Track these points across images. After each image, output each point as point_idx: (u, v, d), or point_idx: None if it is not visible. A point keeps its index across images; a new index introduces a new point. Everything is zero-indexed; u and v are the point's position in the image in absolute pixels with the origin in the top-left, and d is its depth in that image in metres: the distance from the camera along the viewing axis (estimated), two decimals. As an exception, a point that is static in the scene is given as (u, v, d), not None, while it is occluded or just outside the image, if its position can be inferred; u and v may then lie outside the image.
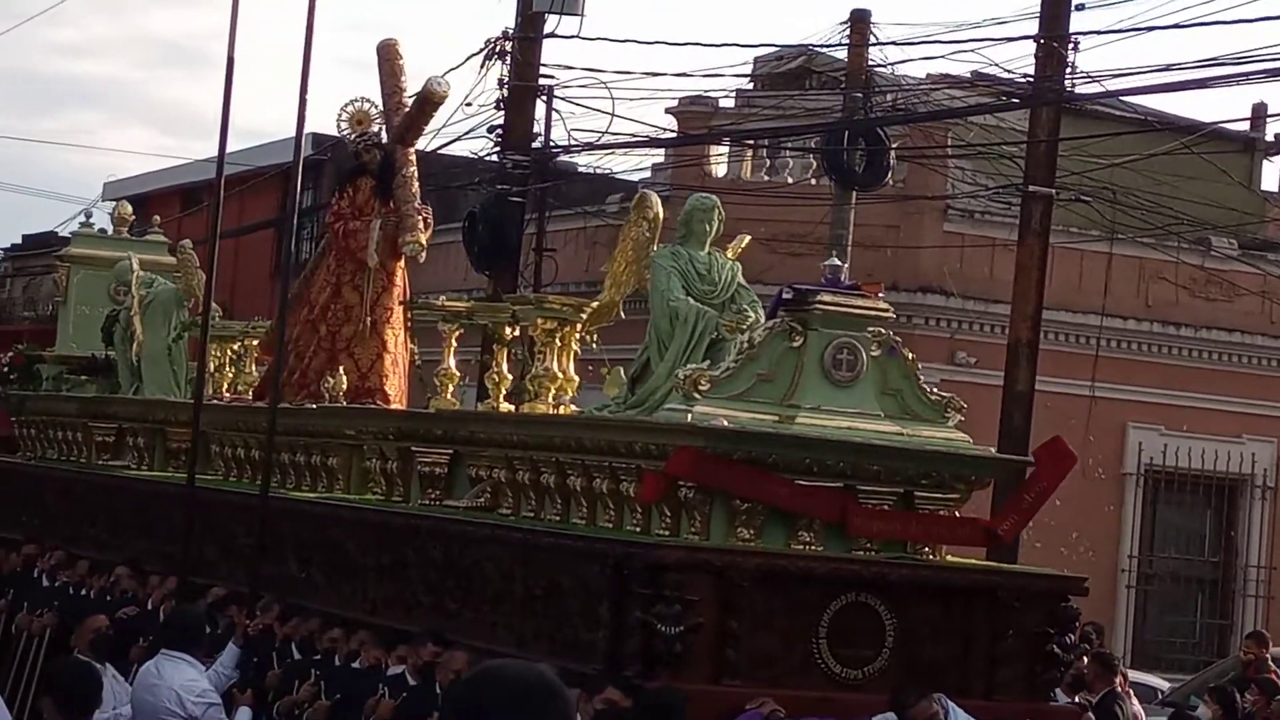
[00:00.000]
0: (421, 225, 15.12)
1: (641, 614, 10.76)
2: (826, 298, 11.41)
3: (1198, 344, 25.16)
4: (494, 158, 22.66)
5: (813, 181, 24.70)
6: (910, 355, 11.75)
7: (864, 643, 11.20)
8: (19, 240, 45.25)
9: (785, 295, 11.60)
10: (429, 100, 15.09)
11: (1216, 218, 24.31)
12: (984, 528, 11.82)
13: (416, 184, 15.30)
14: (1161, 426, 24.77)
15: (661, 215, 12.65)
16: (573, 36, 21.85)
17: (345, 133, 15.43)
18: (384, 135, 15.53)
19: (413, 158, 15.44)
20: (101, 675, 9.64)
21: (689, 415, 11.07)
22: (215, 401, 15.62)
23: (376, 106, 15.45)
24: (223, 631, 13.49)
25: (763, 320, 11.94)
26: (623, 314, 13.01)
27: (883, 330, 11.57)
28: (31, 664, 14.75)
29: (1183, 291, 25.05)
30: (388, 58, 15.50)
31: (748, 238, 12.77)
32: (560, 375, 12.86)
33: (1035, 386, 19.26)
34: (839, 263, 11.93)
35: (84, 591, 15.61)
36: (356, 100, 15.36)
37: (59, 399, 19.11)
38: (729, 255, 12.53)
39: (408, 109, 15.32)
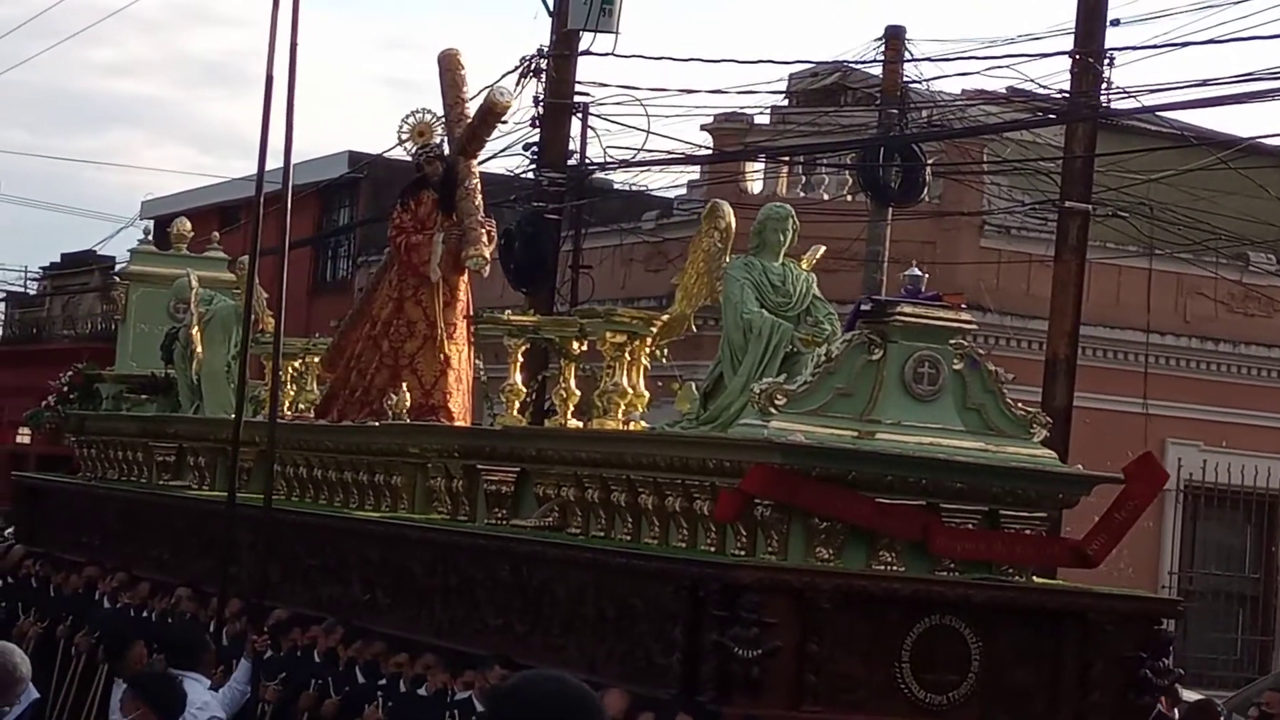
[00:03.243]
0: (485, 239, 14.28)
1: (718, 637, 9.98)
2: (907, 309, 10.59)
3: (1237, 359, 24.46)
4: (530, 175, 22.04)
5: (849, 198, 24.09)
6: (994, 368, 11.01)
7: (948, 667, 10.34)
8: (58, 259, 44.78)
9: (864, 307, 10.86)
10: (492, 111, 14.29)
11: (1254, 233, 23.60)
12: (1073, 548, 11.02)
13: (480, 196, 14.52)
14: (1201, 442, 24.03)
15: (734, 226, 11.89)
16: (608, 54, 21.29)
17: (406, 144, 14.69)
18: (446, 147, 14.79)
19: (475, 170, 14.67)
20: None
21: (766, 431, 10.33)
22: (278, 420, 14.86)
23: (438, 118, 14.73)
24: (285, 654, 12.82)
25: (839, 333, 11.23)
26: (694, 328, 12.28)
27: (964, 342, 10.83)
28: (87, 685, 14.03)
29: (1221, 307, 24.37)
30: (449, 68, 14.71)
31: (822, 248, 11.99)
32: (630, 390, 12.12)
33: (1073, 403, 18.60)
34: (919, 273, 11.10)
35: (145, 613, 14.91)
36: (418, 111, 14.56)
37: (119, 418, 18.28)
38: (804, 266, 11.78)
39: (469, 120, 14.56)
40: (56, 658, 14.67)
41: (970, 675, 10.40)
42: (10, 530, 21.62)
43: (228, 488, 13.73)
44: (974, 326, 10.95)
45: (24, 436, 35.40)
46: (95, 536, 17.56)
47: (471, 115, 14.57)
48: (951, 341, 10.69)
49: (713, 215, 11.89)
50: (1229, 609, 24.65)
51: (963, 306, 10.95)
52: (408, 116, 14.65)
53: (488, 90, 14.60)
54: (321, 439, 13.85)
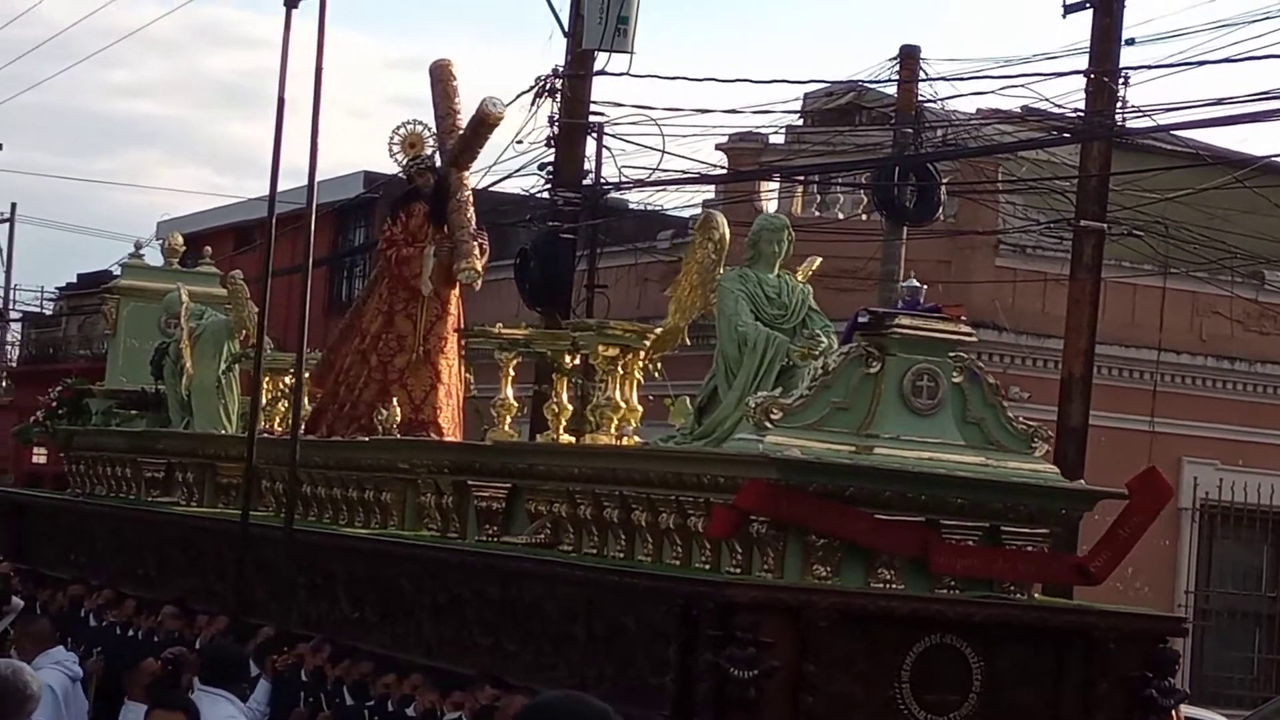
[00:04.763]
0: (477, 252, 13.92)
1: (712, 657, 9.60)
2: (905, 321, 10.21)
3: (1252, 378, 24.13)
4: (545, 195, 21.77)
5: (863, 217, 23.82)
6: (993, 381, 10.59)
7: (949, 687, 9.94)
8: (74, 279, 44.60)
9: (861, 319, 10.45)
10: (484, 121, 13.92)
11: (1270, 251, 23.28)
12: (1076, 565, 10.62)
13: (472, 209, 14.15)
14: (1217, 461, 23.67)
15: (728, 236, 11.49)
16: (623, 74, 21.10)
17: (397, 156, 14.32)
18: (438, 159, 14.40)
19: (468, 182, 14.29)
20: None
21: (761, 446, 9.92)
22: (266, 435, 14.49)
23: (430, 129, 14.34)
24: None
25: (836, 346, 10.82)
26: (687, 340, 11.87)
27: (964, 355, 10.43)
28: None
29: (1237, 326, 24.06)
30: (441, 79, 14.36)
31: (819, 259, 11.61)
32: (623, 405, 11.72)
33: (1089, 421, 18.21)
34: (917, 284, 10.72)
35: (131, 632, 14.54)
36: (409, 123, 14.23)
37: (108, 434, 17.89)
38: (799, 278, 11.38)
39: (462, 131, 14.18)
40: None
41: (971, 695, 10.03)
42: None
43: (242, 507, 13.41)
44: (974, 339, 10.54)
45: (39, 456, 35.17)
46: (82, 553, 17.22)
47: (463, 126, 14.19)
48: (951, 354, 10.33)
49: (706, 226, 11.51)
50: (1245, 628, 24.26)
51: (962, 319, 10.52)
52: (398, 128, 14.31)
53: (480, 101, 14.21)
54: (310, 455, 13.45)
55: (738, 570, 10.13)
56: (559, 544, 11.53)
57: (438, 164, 14.34)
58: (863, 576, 10.09)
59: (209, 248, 20.05)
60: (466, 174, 14.32)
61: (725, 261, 11.46)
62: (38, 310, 46.40)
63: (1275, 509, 23.76)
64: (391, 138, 14.28)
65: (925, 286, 10.80)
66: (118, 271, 38.32)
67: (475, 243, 13.97)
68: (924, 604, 9.99)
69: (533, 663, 10.89)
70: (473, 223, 14.08)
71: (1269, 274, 24.07)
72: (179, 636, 13.60)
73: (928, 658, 9.93)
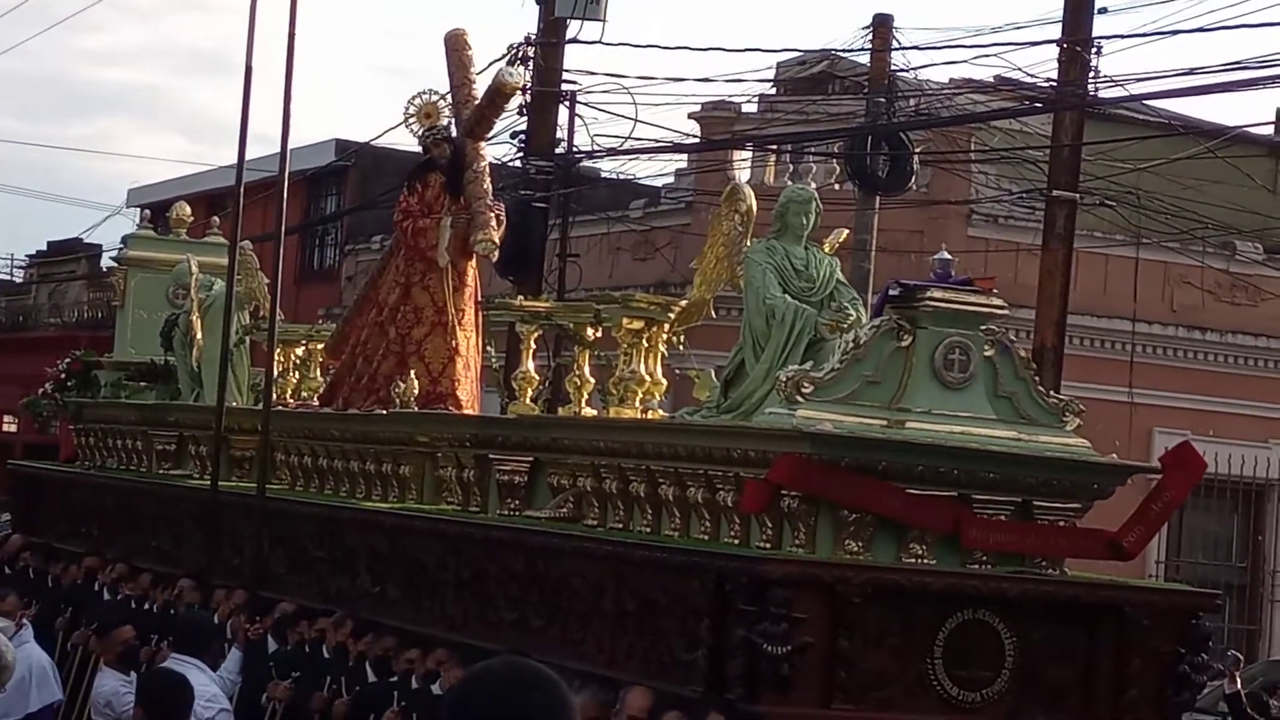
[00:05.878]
0: (494, 222, 13.65)
1: (745, 633, 9.38)
2: (937, 294, 9.96)
3: (1223, 348, 24.04)
4: (517, 163, 21.48)
5: (836, 186, 23.60)
6: (1024, 354, 10.44)
7: (982, 663, 9.72)
8: (44, 247, 44.17)
9: (892, 292, 10.26)
10: (500, 92, 13.63)
11: (1241, 222, 23.20)
12: (1108, 540, 10.44)
13: (489, 179, 13.88)
14: (1188, 431, 23.53)
15: (755, 208, 11.28)
16: (595, 42, 20.79)
17: (412, 126, 14.02)
18: (453, 129, 14.12)
19: (484, 152, 14.02)
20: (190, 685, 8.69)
21: (794, 420, 9.72)
22: (280, 408, 14.20)
23: (445, 99, 14.06)
24: (292, 648, 12.23)
25: (864, 319, 10.64)
26: (712, 312, 11.67)
27: (995, 328, 10.26)
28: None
29: (1208, 296, 23.97)
30: (456, 48, 14.03)
31: (845, 232, 11.43)
32: (648, 378, 11.51)
33: (1061, 391, 18.09)
34: (949, 256, 10.53)
35: (146, 605, 14.27)
36: (425, 93, 13.90)
37: (118, 406, 17.48)
38: (826, 250, 11.20)
39: (478, 101, 13.92)
40: (55, 651, 13.97)
41: (1004, 671, 9.83)
42: (7, 519, 20.95)
43: (211, 475, 13.18)
44: (1006, 311, 10.33)
45: (10, 425, 34.79)
46: (94, 526, 16.87)
47: (479, 96, 13.93)
48: (983, 327, 10.10)
49: (733, 198, 11.27)
50: (1216, 598, 24.21)
51: (994, 291, 10.32)
52: (414, 98, 13.96)
53: (495, 71, 13.95)
54: (327, 427, 13.17)
55: (768, 545, 9.90)
56: (583, 518, 11.31)
57: (453, 134, 14.07)
58: (894, 551, 9.86)
59: (216, 218, 19.67)
60: (483, 144, 14.03)
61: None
62: (7, 278, 45.91)
63: (1246, 479, 23.66)
64: (407, 108, 13.96)
65: (957, 259, 10.63)
66: (88, 239, 38.11)
67: (492, 213, 13.68)
68: (957, 579, 9.79)
69: (559, 638, 10.66)
70: (489, 193, 13.80)
71: (1240, 245, 23.99)
72: (201, 608, 13.36)
73: (960, 633, 9.73)
